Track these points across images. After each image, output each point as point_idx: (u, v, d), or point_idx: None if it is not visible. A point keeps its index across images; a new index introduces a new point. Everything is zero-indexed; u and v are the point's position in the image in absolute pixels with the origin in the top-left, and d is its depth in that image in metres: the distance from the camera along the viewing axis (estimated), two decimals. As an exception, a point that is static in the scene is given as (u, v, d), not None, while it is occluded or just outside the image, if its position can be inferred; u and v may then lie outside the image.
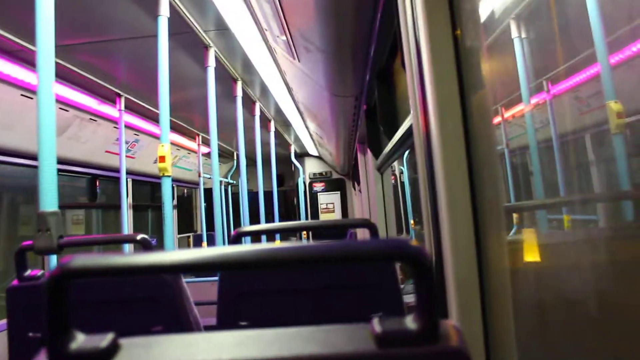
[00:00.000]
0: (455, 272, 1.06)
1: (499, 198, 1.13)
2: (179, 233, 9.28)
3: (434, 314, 0.62)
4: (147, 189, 8.27)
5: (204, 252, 0.64)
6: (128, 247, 4.68)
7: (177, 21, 3.26)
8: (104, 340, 0.62)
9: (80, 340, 0.62)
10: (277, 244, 0.67)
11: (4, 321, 1.79)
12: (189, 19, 3.42)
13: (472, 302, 1.04)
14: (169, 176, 2.97)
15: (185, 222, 10.20)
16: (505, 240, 1.08)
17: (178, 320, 1.77)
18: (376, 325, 0.63)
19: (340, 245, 0.64)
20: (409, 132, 2.08)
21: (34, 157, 4.53)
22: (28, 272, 1.81)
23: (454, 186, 1.12)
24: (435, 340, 0.61)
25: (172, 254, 0.64)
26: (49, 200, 1.94)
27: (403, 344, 0.61)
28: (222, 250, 0.65)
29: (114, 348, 0.62)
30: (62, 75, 4.27)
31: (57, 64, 3.94)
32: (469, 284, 1.05)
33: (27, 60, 3.80)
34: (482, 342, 1.02)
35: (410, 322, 0.62)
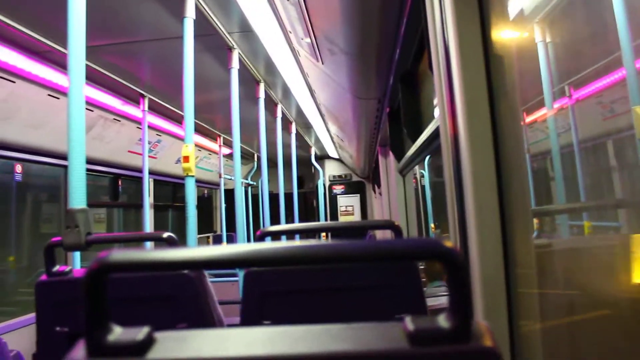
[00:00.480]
0: (482, 273, 1.06)
1: (527, 201, 1.13)
2: (198, 233, 9.34)
3: (467, 313, 0.62)
4: (167, 189, 8.35)
5: (238, 248, 0.65)
6: (149, 246, 4.71)
7: (202, 23, 3.29)
8: (140, 333, 0.63)
9: (118, 333, 0.63)
10: (318, 242, 0.68)
11: (32, 315, 1.82)
12: (214, 20, 3.45)
13: (499, 303, 1.04)
14: (192, 176, 2.99)
15: (204, 223, 10.26)
16: (532, 243, 1.08)
17: (202, 318, 1.78)
18: (409, 323, 0.63)
19: (372, 243, 0.65)
20: (434, 134, 2.08)
21: (59, 156, 4.62)
22: (56, 268, 1.84)
23: (481, 188, 1.12)
24: (468, 339, 0.61)
25: (206, 250, 0.65)
26: (77, 198, 1.97)
27: (436, 343, 0.61)
28: (256, 246, 0.66)
29: (149, 341, 0.63)
30: (88, 76, 4.31)
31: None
32: (496, 285, 1.05)
33: (55, 61, 3.86)
34: (507, 343, 1.02)
35: (442, 320, 0.63)
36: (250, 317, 1.74)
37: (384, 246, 0.65)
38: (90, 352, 0.62)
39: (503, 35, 1.18)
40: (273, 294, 1.75)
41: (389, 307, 1.71)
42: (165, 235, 1.86)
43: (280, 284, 1.76)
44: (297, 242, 0.67)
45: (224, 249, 0.65)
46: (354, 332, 0.65)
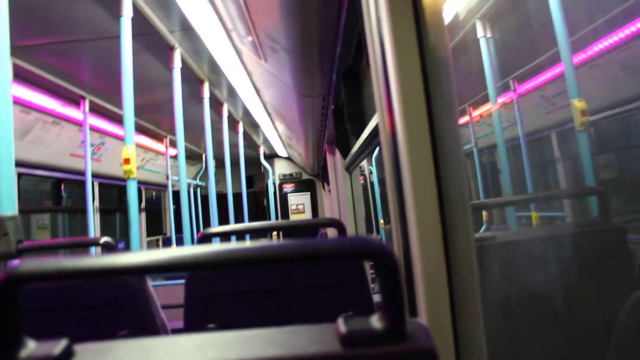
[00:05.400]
0: (423, 270, 1.05)
1: (466, 196, 1.13)
2: (147, 236, 9.16)
3: (400, 312, 0.61)
4: (114, 192, 8.15)
5: (166, 253, 0.62)
6: (95, 251, 4.60)
7: (140, 21, 3.21)
8: (57, 346, 0.59)
9: (32, 348, 0.59)
10: (247, 244, 0.66)
11: None
12: (152, 19, 3.37)
13: (441, 300, 1.03)
14: (134, 178, 2.93)
15: (155, 225, 10.08)
16: (472, 238, 1.08)
17: (144, 325, 1.73)
18: (341, 325, 0.61)
19: (304, 243, 0.63)
20: (376, 131, 2.08)
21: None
22: None
23: (420, 184, 1.11)
24: (402, 339, 0.60)
25: (132, 256, 0.62)
26: (6, 204, 1.88)
27: (369, 344, 0.60)
28: (183, 250, 0.63)
29: (67, 355, 0.59)
30: (23, 77, 4.17)
31: (16, 65, 3.86)
32: (438, 282, 1.04)
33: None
34: (451, 340, 1.02)
35: (376, 321, 0.61)
36: (194, 321, 1.70)
37: (315, 246, 0.64)
38: None
39: (438, 32, 1.18)
40: (217, 296, 1.72)
41: (337, 306, 1.70)
42: (102, 240, 1.80)
43: (225, 286, 1.72)
44: (230, 244, 0.64)
45: (149, 255, 0.62)
46: (286, 336, 0.64)
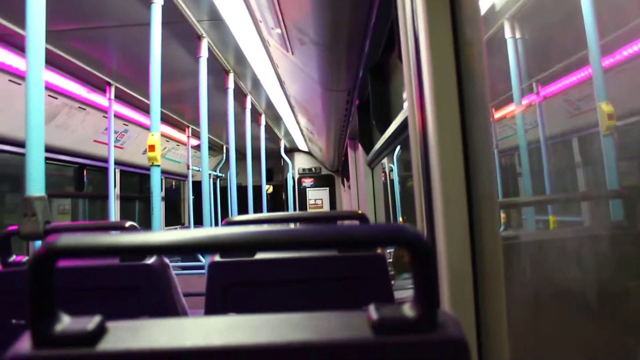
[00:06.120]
0: (449, 264, 1.05)
1: (495, 193, 1.13)
2: (166, 225, 9.24)
3: (432, 301, 0.60)
4: (135, 180, 8.23)
5: (194, 233, 0.62)
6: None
7: (170, 9, 3.22)
8: (91, 322, 0.60)
9: (66, 323, 0.60)
10: (284, 228, 0.65)
11: None
12: (182, 7, 3.39)
13: (466, 293, 1.03)
14: (158, 166, 2.95)
15: (173, 215, 10.16)
16: (499, 234, 1.07)
17: (165, 309, 1.75)
18: (373, 312, 0.61)
19: (337, 228, 0.63)
20: (402, 126, 2.07)
21: (21, 145, 4.50)
22: (13, 258, 1.78)
23: (449, 179, 1.11)
24: (433, 328, 0.60)
25: (161, 235, 0.62)
26: (35, 186, 1.91)
27: (400, 332, 0.59)
28: (211, 231, 0.63)
29: (100, 331, 0.60)
30: (52, 62, 4.21)
31: (46, 49, 3.91)
32: (463, 275, 1.04)
33: (16, 45, 3.74)
34: (474, 333, 1.02)
35: (407, 309, 0.61)
36: (215, 308, 1.72)
37: (349, 231, 0.63)
38: (36, 343, 0.58)
39: (474, 28, 1.17)
40: (238, 285, 1.73)
41: (357, 298, 1.70)
42: (128, 224, 1.82)
43: (246, 275, 1.73)
44: (260, 227, 0.64)
45: (182, 234, 0.62)
46: (315, 321, 0.64)
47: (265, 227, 0.66)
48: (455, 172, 1.11)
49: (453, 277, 1.04)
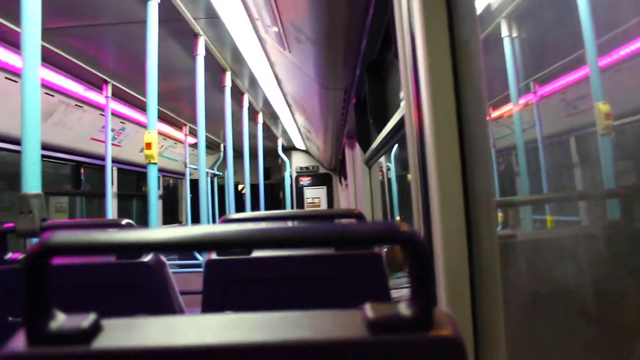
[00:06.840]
0: (445, 262, 1.05)
1: (491, 192, 1.13)
2: (163, 224, 9.22)
3: (428, 300, 0.60)
4: (132, 178, 8.21)
5: (190, 230, 0.62)
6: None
7: (167, 7, 3.22)
8: (86, 320, 0.59)
9: (61, 320, 0.60)
10: (279, 226, 0.65)
11: None
12: (179, 5, 3.38)
13: (462, 292, 1.03)
14: (155, 164, 2.94)
15: (170, 213, 10.14)
16: (496, 233, 1.07)
17: (162, 307, 1.74)
18: (369, 310, 0.61)
19: (334, 226, 0.63)
20: (400, 124, 2.07)
21: (18, 142, 4.49)
22: (9, 255, 1.78)
23: (446, 178, 1.11)
24: (429, 327, 0.60)
25: (157, 232, 0.62)
26: (32, 183, 1.91)
27: (396, 330, 0.59)
28: (208, 228, 0.63)
29: (95, 329, 0.60)
30: (49, 59, 4.20)
31: (43, 47, 3.89)
32: (459, 274, 1.04)
33: (12, 42, 3.73)
34: (471, 331, 1.02)
35: (403, 308, 0.61)
36: (212, 306, 1.71)
37: (345, 229, 0.63)
38: (31, 341, 0.58)
39: (470, 27, 1.17)
40: (235, 283, 1.72)
41: (353, 297, 1.69)
42: (124, 222, 1.82)
43: (243, 273, 1.73)
44: (257, 225, 0.64)
45: (178, 231, 0.62)
46: (312, 319, 0.64)
47: (262, 225, 0.66)
48: (452, 171, 1.11)
49: (450, 276, 1.04)
